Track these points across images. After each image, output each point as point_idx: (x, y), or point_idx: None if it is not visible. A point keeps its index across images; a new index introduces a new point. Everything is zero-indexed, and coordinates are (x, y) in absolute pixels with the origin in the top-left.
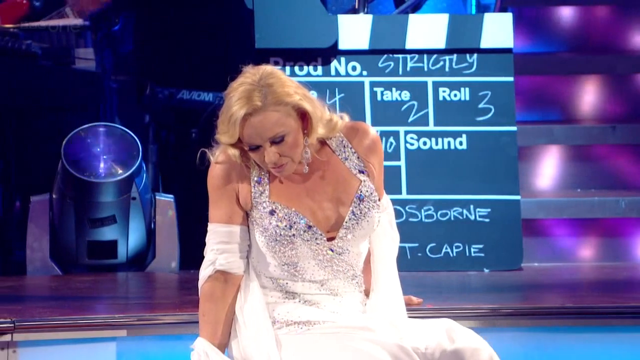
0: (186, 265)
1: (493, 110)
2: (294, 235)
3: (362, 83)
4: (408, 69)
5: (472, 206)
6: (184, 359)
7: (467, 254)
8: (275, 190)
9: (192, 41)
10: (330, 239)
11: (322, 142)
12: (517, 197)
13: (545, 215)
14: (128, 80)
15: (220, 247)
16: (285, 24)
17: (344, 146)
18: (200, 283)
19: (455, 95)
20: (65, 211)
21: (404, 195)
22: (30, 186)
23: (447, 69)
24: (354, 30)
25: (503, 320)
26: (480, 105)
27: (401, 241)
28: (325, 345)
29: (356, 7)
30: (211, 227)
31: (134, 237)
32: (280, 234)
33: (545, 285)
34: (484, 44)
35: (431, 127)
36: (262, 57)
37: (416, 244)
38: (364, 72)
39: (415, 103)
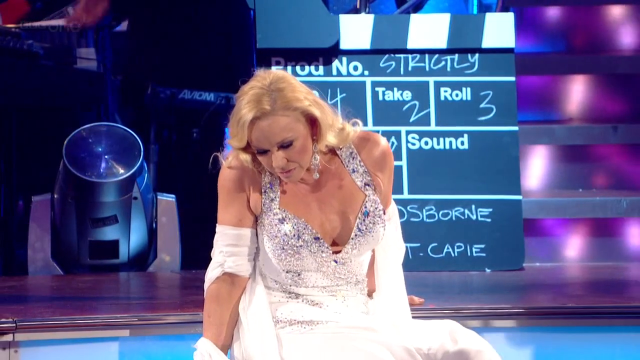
0: (188, 265)
1: (495, 110)
2: (301, 246)
3: (364, 83)
4: (409, 68)
5: (473, 206)
6: (187, 359)
7: (469, 254)
8: (286, 198)
9: (194, 41)
10: (335, 252)
11: (333, 152)
12: (519, 197)
13: (547, 215)
14: (129, 80)
15: (229, 250)
16: (286, 23)
17: (353, 158)
18: (207, 284)
19: (456, 95)
20: (67, 211)
21: (405, 195)
22: (32, 186)
23: (448, 69)
24: (356, 30)
25: (505, 320)
26: (482, 105)
27: (404, 250)
28: (328, 345)
29: (357, 6)
30: (220, 229)
31: (136, 237)
32: (288, 243)
33: (546, 285)
34: (485, 44)
35: (433, 127)
36: (263, 57)
37: (418, 244)
38: (366, 72)
39: (417, 103)
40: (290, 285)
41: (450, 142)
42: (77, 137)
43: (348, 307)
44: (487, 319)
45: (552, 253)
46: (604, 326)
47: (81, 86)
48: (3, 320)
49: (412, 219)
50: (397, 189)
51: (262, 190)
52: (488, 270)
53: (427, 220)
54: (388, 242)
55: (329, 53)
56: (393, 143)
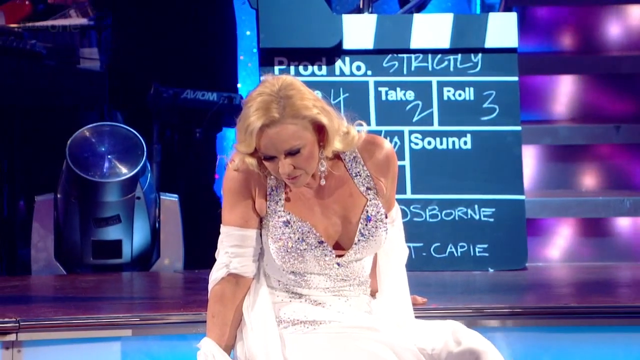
0: (190, 265)
1: (498, 110)
2: (305, 249)
3: (367, 83)
4: (412, 68)
5: (476, 206)
6: (189, 359)
7: (472, 253)
8: (290, 201)
9: (197, 41)
10: (338, 255)
11: (337, 156)
12: (522, 197)
13: (550, 215)
14: (132, 79)
15: (234, 251)
16: (289, 23)
17: (357, 162)
18: (212, 285)
19: (459, 95)
20: (70, 211)
21: (408, 195)
22: (35, 186)
23: (451, 69)
24: (359, 30)
25: (508, 320)
26: (485, 105)
27: (405, 241)
28: (331, 345)
29: (360, 6)
30: (225, 230)
31: (139, 236)
32: (292, 246)
33: (549, 285)
34: (488, 44)
35: (436, 126)
36: (266, 56)
37: (420, 244)
38: (369, 72)
39: (420, 103)
40: (294, 286)
41: (453, 142)
42: (80, 137)
43: (351, 307)
44: (490, 318)
45: (554, 253)
46: (607, 326)
47: (84, 86)
48: (6, 320)
49: (415, 219)
50: (400, 189)
51: (267, 193)
52: (491, 270)
53: (430, 220)
54: (391, 245)
55: (332, 53)
56: (396, 143)
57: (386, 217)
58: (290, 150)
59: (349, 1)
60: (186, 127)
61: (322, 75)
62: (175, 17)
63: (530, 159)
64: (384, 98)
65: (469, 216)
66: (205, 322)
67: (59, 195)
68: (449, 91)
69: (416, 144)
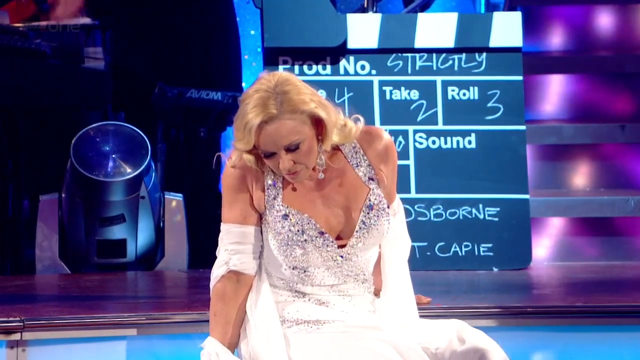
0: (195, 264)
1: (502, 109)
2: (305, 240)
3: (371, 82)
4: (417, 68)
5: (481, 205)
6: (194, 358)
7: (476, 253)
8: (289, 195)
9: (201, 40)
10: (340, 246)
11: (336, 147)
12: (526, 196)
13: (554, 214)
14: (137, 79)
15: (234, 248)
16: (294, 23)
17: (356, 152)
18: (213, 283)
19: (464, 94)
20: (75, 210)
21: (413, 194)
22: (39, 185)
23: (456, 68)
24: (363, 29)
25: (512, 319)
26: (489, 104)
27: (410, 245)
28: (335, 344)
29: (365, 6)
30: (225, 227)
31: (143, 236)
32: (292, 239)
33: (554, 285)
34: (493, 43)
35: (440, 126)
36: (271, 56)
37: (425, 243)
38: (373, 71)
39: (424, 102)
40: (297, 284)
41: (458, 141)
42: (85, 136)
43: (355, 307)
44: (495, 318)
45: (559, 252)
46: (612, 325)
47: (88, 85)
48: (11, 319)
49: (419, 218)
50: (405, 188)
51: (265, 188)
52: (495, 270)
53: (435, 219)
54: (394, 236)
55: (337, 52)
56: (400, 142)
57: (388, 207)
58: (290, 146)
59: (353, 0)
60: (191, 127)
61: (326, 75)
62: (180, 17)
63: (534, 158)
64: (388, 97)
65: (474, 215)
66: (209, 321)
67: (63, 195)
68: (453, 90)
69: (420, 143)
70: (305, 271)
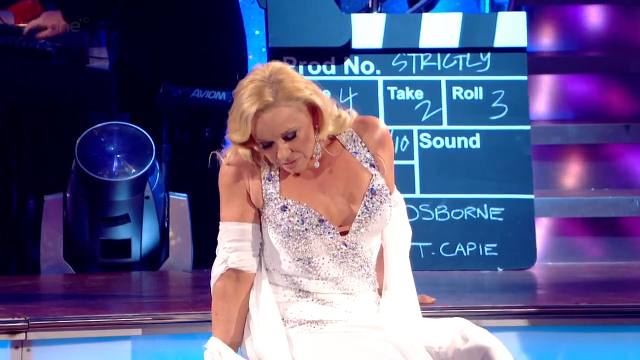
0: (199, 264)
1: (507, 109)
2: (306, 229)
3: (376, 82)
4: (421, 68)
5: (485, 205)
6: (198, 358)
7: (481, 253)
8: (287, 186)
9: (206, 40)
10: (343, 233)
11: (332, 138)
12: (531, 196)
13: (559, 214)
14: (141, 79)
15: (232, 245)
16: (298, 23)
17: (354, 140)
18: (213, 281)
19: (468, 94)
20: (79, 210)
21: (417, 195)
22: (44, 185)
23: (460, 68)
24: (368, 29)
25: (517, 319)
26: (494, 104)
27: (414, 240)
28: (338, 344)
29: (370, 6)
30: (223, 226)
31: (148, 236)
32: (293, 229)
33: (559, 285)
34: (497, 43)
35: (445, 126)
36: (275, 56)
37: (429, 243)
38: (378, 71)
39: (429, 102)
40: (301, 281)
41: (462, 142)
42: (89, 137)
43: (358, 306)
44: (499, 318)
45: (564, 252)
46: (617, 325)
47: (93, 85)
48: (15, 319)
49: (424, 218)
50: (409, 188)
51: (262, 182)
52: (500, 270)
53: (439, 219)
54: (395, 225)
55: (341, 52)
56: (405, 142)
57: (390, 194)
58: (287, 134)
59: (358, 0)
60: (195, 127)
61: (331, 75)
62: (184, 17)
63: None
64: (392, 97)
65: (478, 215)
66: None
67: (68, 195)
68: (457, 90)
69: (425, 143)
70: (309, 262)
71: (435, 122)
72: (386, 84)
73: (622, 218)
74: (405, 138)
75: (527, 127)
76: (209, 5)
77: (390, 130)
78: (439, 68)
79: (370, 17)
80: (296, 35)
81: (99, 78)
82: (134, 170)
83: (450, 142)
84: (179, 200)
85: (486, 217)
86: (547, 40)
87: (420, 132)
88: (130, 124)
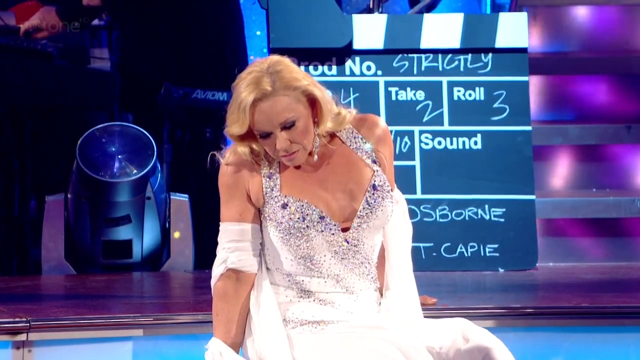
0: (201, 265)
1: (508, 110)
2: (307, 226)
3: (377, 83)
4: (423, 68)
5: (487, 206)
6: (200, 359)
7: (482, 253)
8: (287, 183)
9: (207, 40)
10: (344, 230)
11: (332, 135)
12: (532, 197)
13: (561, 215)
14: (143, 79)
15: (232, 245)
16: (300, 23)
17: (355, 137)
18: (213, 282)
19: (470, 95)
20: (80, 211)
21: (418, 195)
22: (46, 186)
23: (461, 69)
24: (369, 30)
25: (518, 320)
26: (495, 105)
27: (416, 241)
28: (339, 344)
29: (371, 6)
30: (223, 226)
31: (149, 236)
32: (294, 227)
33: (560, 285)
34: (498, 44)
35: (446, 126)
36: None
37: (431, 244)
38: (379, 72)
39: (430, 103)
40: (303, 279)
41: (464, 142)
42: (91, 137)
43: (359, 306)
44: (501, 318)
45: (565, 253)
46: (618, 326)
47: (94, 86)
48: (17, 319)
49: (425, 219)
50: (410, 189)
51: (262, 181)
52: (501, 270)
53: (441, 220)
54: (396, 222)
55: (342, 53)
56: (406, 143)
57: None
58: (285, 124)
59: (359, 1)
60: (196, 127)
61: (332, 75)
62: (185, 17)
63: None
64: (394, 98)
65: (479, 216)
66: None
67: (69, 195)
68: (459, 91)
69: (426, 144)
70: (311, 260)
71: (437, 122)
72: (387, 84)
73: (623, 219)
74: (406, 139)
75: (529, 128)
76: (209, 6)
77: (391, 131)
78: (440, 69)
79: (371, 18)
80: (297, 36)
81: (100, 79)
82: (135, 171)
83: (451, 143)
84: (180, 200)
85: (487, 217)
86: (547, 41)
87: (421, 132)
88: (131, 125)
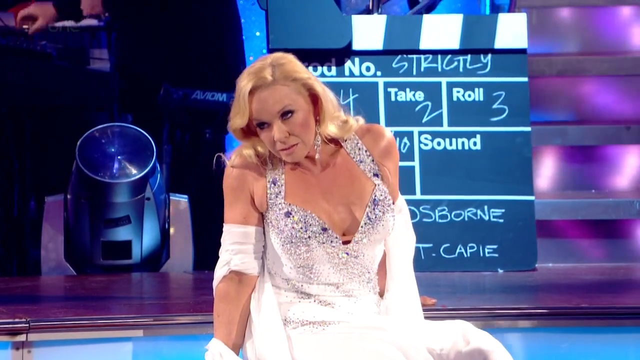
0: (200, 266)
1: (507, 111)
2: (309, 237)
3: (376, 83)
4: (422, 69)
5: (486, 207)
6: None
7: (481, 254)
8: (291, 191)
9: (207, 41)
10: (345, 242)
11: (337, 144)
12: (532, 198)
13: (560, 216)
14: (143, 80)
15: (235, 248)
16: (299, 24)
17: (359, 148)
18: (215, 283)
19: (469, 96)
20: (80, 211)
21: (418, 196)
22: (45, 186)
23: (461, 70)
24: (368, 31)
25: (517, 320)
26: (495, 106)
27: (415, 241)
28: (340, 345)
29: (370, 7)
30: (226, 228)
31: (148, 237)
32: (296, 236)
33: (559, 286)
34: (498, 45)
35: (445, 127)
36: None
37: (430, 245)
38: (378, 73)
39: (429, 103)
40: (302, 285)
41: (463, 143)
42: (90, 138)
43: (359, 307)
44: (500, 319)
45: (564, 254)
46: (617, 327)
47: (94, 86)
48: (16, 320)
49: (424, 220)
50: (410, 190)
51: (267, 186)
52: (500, 271)
53: (440, 220)
54: (399, 233)
55: (342, 54)
56: (405, 144)
57: (393, 204)
58: (283, 111)
59: (358, 2)
60: (196, 128)
61: (331, 76)
62: (184, 18)
63: (540, 160)
64: (393, 99)
65: (479, 217)
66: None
67: (69, 196)
68: (458, 92)
69: (426, 144)
70: (310, 269)
71: (436, 123)
72: (387, 85)
73: (623, 220)
74: (405, 139)
75: (528, 129)
76: (208, 7)
77: (392, 133)
78: (440, 69)
79: (370, 19)
80: (297, 37)
81: (100, 79)
82: (134, 172)
83: (450, 144)
84: (180, 201)
85: (487, 218)
86: (547, 42)
87: (420, 133)
88: (131, 126)
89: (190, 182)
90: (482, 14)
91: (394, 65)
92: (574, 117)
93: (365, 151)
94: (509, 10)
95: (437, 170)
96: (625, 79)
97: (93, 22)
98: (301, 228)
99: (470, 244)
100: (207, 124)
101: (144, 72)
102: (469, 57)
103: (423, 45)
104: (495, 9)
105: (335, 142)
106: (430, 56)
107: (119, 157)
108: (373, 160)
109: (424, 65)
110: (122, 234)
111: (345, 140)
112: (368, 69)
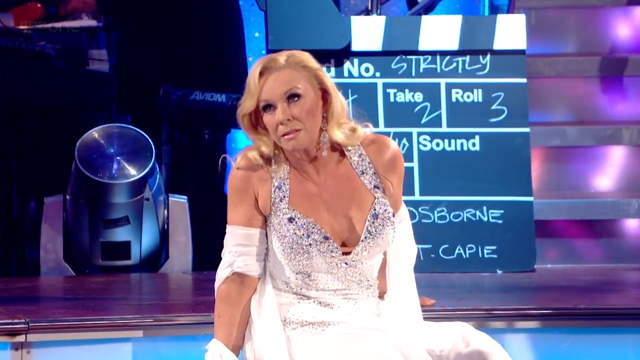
0: (199, 266)
1: (506, 112)
2: (310, 245)
3: (375, 84)
4: (421, 70)
5: (485, 207)
6: None
7: (480, 255)
8: (295, 198)
9: (206, 42)
10: (345, 253)
11: (342, 154)
12: (530, 199)
13: (559, 216)
14: (142, 81)
15: (238, 250)
16: (298, 25)
17: (362, 160)
18: (217, 284)
19: (468, 97)
20: (79, 212)
21: (417, 197)
22: (44, 187)
23: (460, 70)
24: (367, 32)
25: (516, 321)
26: (494, 107)
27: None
28: (340, 346)
29: (369, 8)
30: (230, 229)
31: (147, 238)
32: (297, 242)
33: (558, 287)
34: (497, 46)
35: (444, 128)
36: None
37: (429, 245)
38: (377, 74)
39: (428, 104)
40: (301, 288)
41: (462, 144)
42: (89, 139)
43: (359, 309)
44: (499, 320)
45: (563, 254)
46: (615, 327)
47: (93, 87)
48: (15, 321)
49: (423, 221)
50: (409, 190)
51: (271, 191)
52: (499, 272)
53: (439, 221)
54: (400, 243)
55: (341, 55)
56: (404, 144)
57: (393, 216)
58: (289, 93)
59: (357, 3)
60: (195, 129)
61: (330, 77)
62: (184, 19)
63: (539, 160)
64: (392, 99)
65: (478, 218)
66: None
67: (68, 197)
68: (457, 93)
69: (425, 145)
70: (309, 276)
71: (435, 124)
72: (386, 86)
73: (621, 220)
74: (404, 140)
75: (527, 130)
76: (208, 8)
77: (389, 133)
78: (439, 70)
79: (369, 20)
80: (296, 38)
81: (99, 80)
82: (133, 172)
83: (449, 145)
84: (179, 202)
85: (485, 219)
86: (545, 43)
87: (419, 134)
88: (130, 126)
89: (189, 182)
90: (481, 14)
91: (393, 66)
92: (573, 118)
93: (369, 162)
94: (508, 11)
95: (436, 171)
96: (625, 79)
97: (92, 22)
98: (303, 235)
99: (469, 245)
100: (206, 124)
101: (143, 72)
102: (467, 58)
103: (422, 46)
104: (494, 9)
105: (341, 151)
106: (429, 57)
107: (118, 158)
108: (375, 173)
109: (423, 66)
110: (121, 234)
111: (350, 150)
112: (367, 69)
